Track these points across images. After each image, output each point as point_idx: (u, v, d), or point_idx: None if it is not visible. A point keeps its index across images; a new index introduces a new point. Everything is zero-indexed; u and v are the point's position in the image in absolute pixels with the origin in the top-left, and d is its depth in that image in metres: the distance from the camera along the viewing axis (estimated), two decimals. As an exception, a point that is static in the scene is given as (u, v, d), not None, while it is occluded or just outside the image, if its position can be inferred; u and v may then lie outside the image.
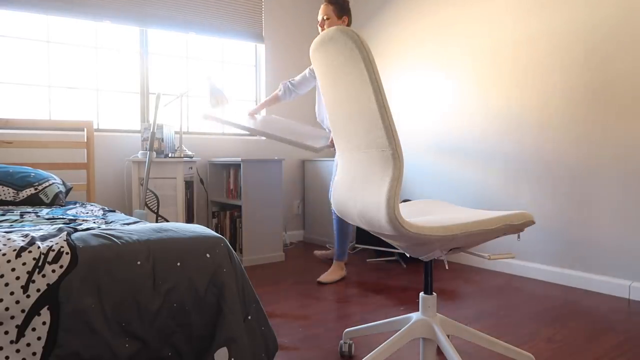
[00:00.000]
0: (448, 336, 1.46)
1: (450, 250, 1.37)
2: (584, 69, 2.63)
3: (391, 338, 1.43)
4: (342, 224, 2.88)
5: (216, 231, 3.64)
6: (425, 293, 1.50)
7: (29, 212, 1.98)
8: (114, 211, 2.23)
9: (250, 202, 3.29)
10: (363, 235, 3.46)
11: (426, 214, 1.60)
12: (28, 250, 1.09)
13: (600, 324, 2.07)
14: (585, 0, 2.61)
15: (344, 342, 1.74)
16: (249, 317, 1.32)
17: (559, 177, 2.75)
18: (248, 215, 3.28)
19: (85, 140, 3.00)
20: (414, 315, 1.50)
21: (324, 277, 2.82)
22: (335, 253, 2.92)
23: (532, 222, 1.36)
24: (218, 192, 3.76)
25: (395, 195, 1.20)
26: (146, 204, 3.16)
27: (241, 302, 1.30)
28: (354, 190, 1.39)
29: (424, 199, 3.26)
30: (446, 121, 3.40)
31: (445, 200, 3.42)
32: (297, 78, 3.02)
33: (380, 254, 3.56)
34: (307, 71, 2.99)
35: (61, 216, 1.86)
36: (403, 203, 1.78)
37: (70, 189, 2.61)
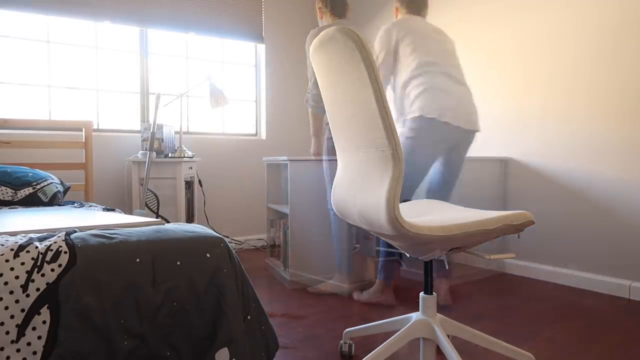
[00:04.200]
0: (448, 336, 1.46)
1: (450, 250, 1.37)
2: (582, 68, 2.63)
3: (391, 338, 1.43)
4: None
5: (272, 246, 3.19)
6: (425, 293, 1.50)
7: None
8: (113, 210, 2.23)
9: (298, 209, 2.71)
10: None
11: (426, 214, 1.60)
12: (26, 250, 1.09)
13: (600, 324, 2.07)
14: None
15: (344, 342, 1.74)
16: (249, 317, 1.32)
17: (559, 177, 2.75)
18: (296, 226, 2.70)
19: (84, 141, 2.99)
20: (414, 315, 1.50)
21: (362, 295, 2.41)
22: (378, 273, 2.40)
23: (532, 222, 1.36)
24: (275, 197, 3.25)
25: (395, 196, 1.20)
26: (146, 204, 3.16)
27: (241, 302, 1.30)
28: (353, 190, 1.39)
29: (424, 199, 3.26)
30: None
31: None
32: (311, 86, 2.54)
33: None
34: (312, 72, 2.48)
35: (61, 216, 1.86)
36: (403, 203, 1.78)
37: (69, 188, 2.61)
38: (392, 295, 2.33)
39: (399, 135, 2.49)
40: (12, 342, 1.00)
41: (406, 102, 2.25)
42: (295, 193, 2.73)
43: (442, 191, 2.38)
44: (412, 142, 2.20)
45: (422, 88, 2.17)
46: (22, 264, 1.06)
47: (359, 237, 2.63)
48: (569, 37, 2.69)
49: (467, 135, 2.27)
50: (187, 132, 3.72)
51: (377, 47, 2.33)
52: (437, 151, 2.23)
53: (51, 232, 1.27)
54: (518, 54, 2.94)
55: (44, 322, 1.03)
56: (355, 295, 2.43)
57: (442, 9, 3.40)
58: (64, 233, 1.21)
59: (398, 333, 1.45)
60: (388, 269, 2.33)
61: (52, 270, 1.07)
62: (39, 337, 1.02)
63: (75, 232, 1.25)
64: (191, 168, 3.34)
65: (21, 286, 1.03)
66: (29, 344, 1.01)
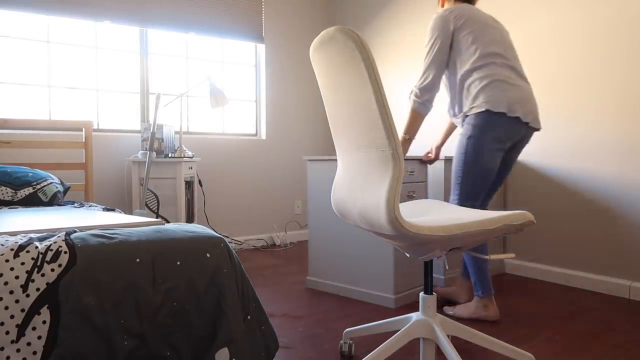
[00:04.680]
0: (448, 336, 1.46)
1: (450, 250, 1.37)
2: (591, 66, 2.63)
3: (391, 338, 1.43)
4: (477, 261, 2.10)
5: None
6: (425, 293, 1.50)
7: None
8: (113, 210, 2.23)
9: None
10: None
11: (426, 214, 1.60)
12: (26, 250, 1.09)
13: (600, 324, 2.07)
14: None
15: (344, 342, 1.74)
16: (249, 317, 1.32)
17: (559, 177, 2.75)
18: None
19: (84, 141, 2.99)
20: (414, 315, 1.50)
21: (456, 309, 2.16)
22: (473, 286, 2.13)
23: (532, 222, 1.36)
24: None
25: (395, 195, 1.20)
26: (146, 204, 3.16)
27: (241, 302, 1.30)
28: (354, 190, 1.39)
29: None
30: (446, 120, 3.39)
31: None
32: (425, 73, 2.07)
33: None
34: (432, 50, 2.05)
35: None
36: (403, 203, 1.78)
37: (69, 188, 2.61)
38: (495, 308, 2.08)
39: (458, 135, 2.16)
40: (12, 342, 1.00)
41: (466, 97, 2.03)
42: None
43: (490, 192, 2.20)
44: (476, 142, 1.97)
45: (487, 80, 1.96)
46: (22, 264, 1.06)
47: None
48: (577, 33, 2.69)
49: (530, 133, 2.07)
50: (187, 132, 3.72)
51: (431, 34, 2.06)
52: (502, 150, 2.00)
53: (51, 232, 1.27)
54: (521, 51, 2.94)
55: (44, 322, 1.03)
56: (451, 311, 2.16)
57: (442, 9, 3.40)
58: (64, 233, 1.21)
59: (398, 333, 1.45)
60: (485, 281, 2.07)
61: (52, 270, 1.07)
62: (39, 337, 1.02)
63: (75, 232, 1.25)
64: (191, 168, 3.34)
65: (21, 286, 1.03)
66: (29, 344, 1.01)
